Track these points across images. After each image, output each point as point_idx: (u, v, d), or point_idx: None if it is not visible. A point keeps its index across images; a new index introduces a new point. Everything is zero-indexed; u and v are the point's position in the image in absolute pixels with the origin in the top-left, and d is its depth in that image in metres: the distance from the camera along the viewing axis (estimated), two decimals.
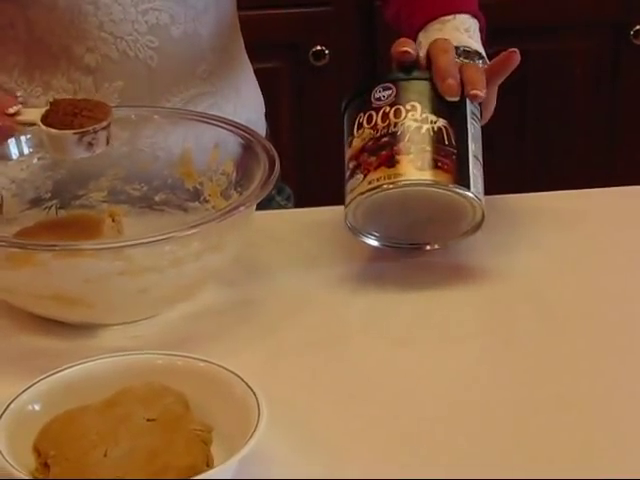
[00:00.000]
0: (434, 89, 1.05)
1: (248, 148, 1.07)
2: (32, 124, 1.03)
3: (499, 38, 1.66)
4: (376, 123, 1.02)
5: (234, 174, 1.10)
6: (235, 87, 1.29)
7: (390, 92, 1.02)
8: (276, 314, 1.03)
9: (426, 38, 1.18)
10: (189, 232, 0.96)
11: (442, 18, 1.21)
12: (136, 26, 1.23)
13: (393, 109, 1.01)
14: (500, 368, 0.96)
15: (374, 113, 1.02)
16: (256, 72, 1.40)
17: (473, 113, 1.06)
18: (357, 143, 1.03)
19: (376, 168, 1.01)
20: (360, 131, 1.03)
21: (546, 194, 1.26)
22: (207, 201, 1.12)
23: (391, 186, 1.00)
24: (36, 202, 1.10)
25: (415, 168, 1.00)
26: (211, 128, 1.13)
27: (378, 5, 1.36)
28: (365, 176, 1.01)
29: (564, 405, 0.88)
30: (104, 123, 1.02)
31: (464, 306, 1.06)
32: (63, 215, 1.10)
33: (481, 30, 1.23)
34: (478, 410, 0.90)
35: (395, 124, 1.01)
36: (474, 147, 1.05)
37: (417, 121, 1.01)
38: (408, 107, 1.02)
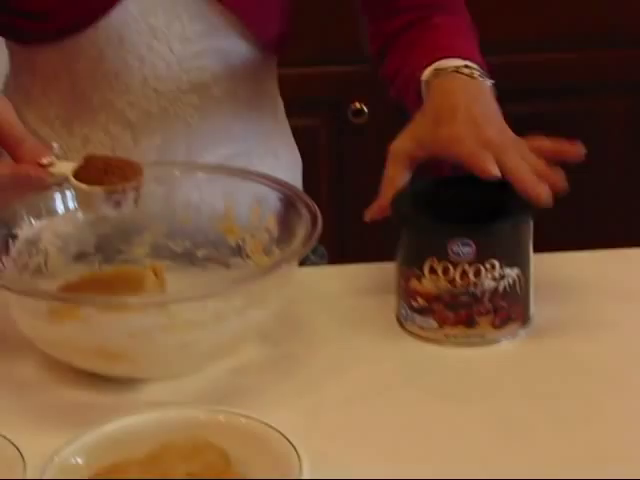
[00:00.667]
0: (510, 237, 1.06)
1: (290, 204, 1.07)
2: (63, 177, 1.03)
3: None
4: (454, 279, 1.03)
5: (276, 230, 1.09)
6: (271, 147, 1.30)
7: (469, 249, 1.03)
8: (317, 369, 1.03)
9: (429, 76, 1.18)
10: (231, 288, 0.98)
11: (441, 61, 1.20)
12: (179, 84, 1.24)
13: (472, 268, 1.03)
14: (542, 426, 0.95)
15: (451, 267, 1.03)
16: (294, 129, 1.41)
17: None
18: (430, 286, 1.04)
19: (454, 324, 1.05)
20: (434, 276, 1.04)
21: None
22: (249, 257, 1.12)
23: (461, 342, 1.06)
24: (80, 257, 1.11)
25: (493, 327, 1.05)
26: (253, 184, 1.12)
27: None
28: (441, 326, 1.05)
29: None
30: (133, 183, 1.03)
31: (507, 362, 1.06)
32: (107, 270, 1.11)
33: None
34: (521, 466, 0.89)
35: (475, 284, 1.03)
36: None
37: (495, 280, 1.03)
38: (487, 266, 1.03)
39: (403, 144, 1.11)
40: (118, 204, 1.03)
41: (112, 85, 1.24)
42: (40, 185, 1.02)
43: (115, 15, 1.20)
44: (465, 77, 1.17)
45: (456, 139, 1.09)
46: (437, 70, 1.18)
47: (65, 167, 1.02)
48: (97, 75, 1.24)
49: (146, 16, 1.21)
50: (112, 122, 1.26)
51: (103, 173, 1.03)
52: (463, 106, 1.12)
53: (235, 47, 1.26)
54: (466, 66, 1.17)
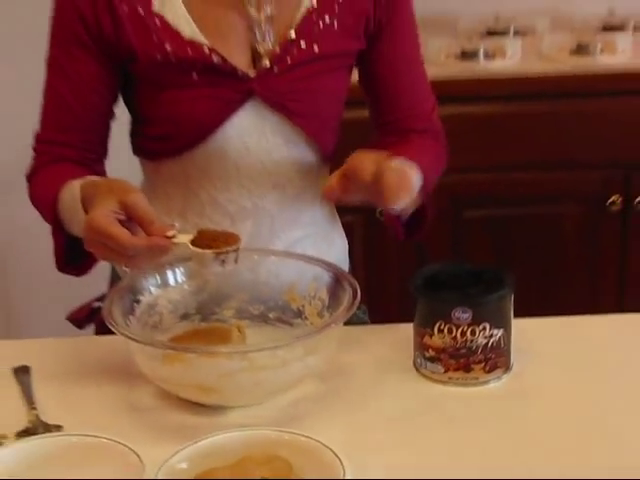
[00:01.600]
0: (496, 306, 1.06)
1: (337, 281, 1.08)
2: (184, 245, 1.04)
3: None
4: (456, 337, 1.05)
5: (327, 300, 1.10)
6: (328, 233, 1.29)
7: (467, 315, 1.04)
8: (355, 401, 1.04)
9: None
10: (294, 342, 1.01)
11: None
12: (264, 185, 1.24)
13: (469, 329, 1.04)
14: (522, 443, 0.94)
15: (454, 328, 1.05)
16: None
17: None
18: (437, 340, 1.06)
19: (456, 370, 1.06)
20: (441, 334, 1.05)
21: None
22: (307, 319, 1.13)
23: (461, 383, 1.07)
24: (185, 317, 1.11)
25: (484, 372, 1.06)
26: (311, 266, 1.13)
27: None
28: (446, 371, 1.07)
29: None
30: (234, 247, 1.04)
31: (495, 398, 1.04)
32: (204, 326, 1.13)
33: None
34: (513, 468, 0.89)
35: (471, 341, 1.04)
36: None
37: (486, 338, 1.05)
38: (480, 327, 1.05)
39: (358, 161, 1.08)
40: (223, 262, 1.04)
41: (216, 186, 1.22)
42: (166, 251, 1.02)
43: (218, 136, 1.18)
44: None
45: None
46: None
47: (184, 238, 1.04)
48: (205, 179, 1.23)
49: (241, 136, 1.19)
50: (216, 213, 1.24)
51: (212, 240, 1.04)
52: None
53: (304, 156, 1.24)
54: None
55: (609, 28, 2.12)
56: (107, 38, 1.13)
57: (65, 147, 1.18)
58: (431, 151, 1.25)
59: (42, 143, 1.20)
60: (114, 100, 1.21)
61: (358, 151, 1.09)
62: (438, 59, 1.99)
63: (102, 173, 1.22)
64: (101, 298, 1.22)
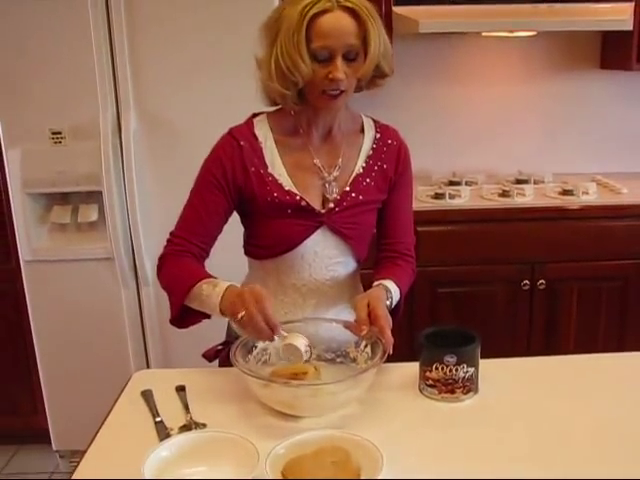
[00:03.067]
0: (472, 353, 1.27)
1: (376, 341, 1.32)
2: (284, 336, 1.25)
3: None
4: (446, 372, 1.27)
5: (370, 352, 1.34)
6: None
7: (453, 359, 1.27)
8: (385, 414, 1.25)
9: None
10: (349, 379, 1.23)
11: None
12: (324, 278, 1.49)
13: (455, 367, 1.27)
14: (491, 444, 1.15)
15: (445, 367, 1.27)
16: None
17: None
18: (434, 374, 1.28)
19: (445, 393, 1.29)
20: (437, 371, 1.27)
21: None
22: (359, 364, 1.36)
23: (449, 400, 1.28)
24: (282, 358, 1.31)
25: (463, 393, 1.29)
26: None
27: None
28: (439, 393, 1.29)
29: None
30: (310, 345, 1.26)
31: (469, 409, 1.26)
32: (295, 365, 1.30)
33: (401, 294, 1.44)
34: (498, 466, 1.11)
35: (455, 375, 1.27)
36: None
37: (465, 372, 1.28)
38: (461, 367, 1.28)
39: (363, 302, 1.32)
40: (308, 348, 1.29)
41: (296, 277, 1.47)
42: (272, 337, 1.24)
43: (300, 248, 1.44)
44: (382, 290, 1.41)
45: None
46: (379, 282, 1.44)
47: (294, 338, 1.25)
48: (289, 273, 1.47)
49: (314, 247, 1.45)
50: (294, 293, 1.48)
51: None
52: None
53: (349, 259, 1.50)
54: (386, 289, 1.41)
55: (520, 181, 2.83)
56: (238, 185, 1.40)
57: (190, 244, 1.40)
58: (407, 272, 1.52)
59: (175, 237, 1.42)
60: (227, 221, 1.44)
61: (360, 298, 1.33)
62: (421, 197, 2.67)
63: (204, 266, 1.42)
64: (223, 343, 1.50)
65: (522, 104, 3.04)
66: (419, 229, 1.79)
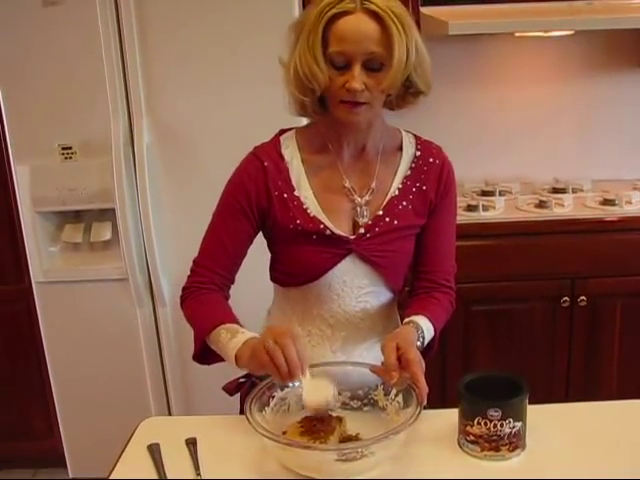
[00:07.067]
0: (518, 407, 1.18)
1: (409, 388, 1.24)
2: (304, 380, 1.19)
3: None
4: (490, 428, 1.19)
5: (402, 402, 1.24)
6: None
7: (498, 413, 1.18)
8: (420, 468, 1.19)
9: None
10: (371, 443, 1.13)
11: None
12: (355, 309, 1.42)
13: (499, 422, 1.18)
14: None
15: (489, 422, 1.19)
16: None
17: None
18: (476, 429, 1.20)
19: (489, 450, 1.20)
20: (479, 426, 1.19)
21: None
22: (388, 414, 1.27)
23: (493, 459, 1.20)
24: (303, 407, 1.24)
25: (509, 451, 1.20)
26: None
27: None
28: (482, 451, 1.21)
29: None
30: (335, 390, 1.21)
31: (516, 467, 1.20)
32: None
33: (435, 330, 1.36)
34: None
35: (500, 431, 1.19)
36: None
37: (510, 428, 1.19)
38: (507, 422, 1.18)
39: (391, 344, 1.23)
40: (332, 399, 1.23)
41: (324, 308, 1.41)
42: (296, 378, 1.17)
43: (327, 276, 1.38)
44: (413, 329, 1.33)
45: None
46: (410, 319, 1.35)
47: (318, 385, 1.20)
48: (317, 302, 1.41)
49: (342, 276, 1.38)
50: (322, 324, 1.43)
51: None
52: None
53: (381, 291, 1.42)
54: (417, 327, 1.33)
55: (557, 190, 2.70)
56: (261, 210, 1.34)
57: (214, 274, 1.37)
58: (444, 306, 1.43)
59: (198, 266, 1.40)
60: (251, 244, 1.39)
61: (388, 339, 1.25)
62: None
63: (228, 296, 1.39)
64: (245, 376, 1.42)
65: (557, 107, 2.94)
66: None
